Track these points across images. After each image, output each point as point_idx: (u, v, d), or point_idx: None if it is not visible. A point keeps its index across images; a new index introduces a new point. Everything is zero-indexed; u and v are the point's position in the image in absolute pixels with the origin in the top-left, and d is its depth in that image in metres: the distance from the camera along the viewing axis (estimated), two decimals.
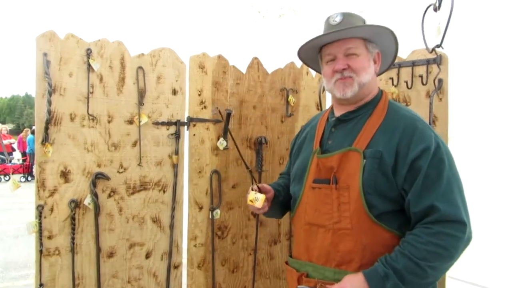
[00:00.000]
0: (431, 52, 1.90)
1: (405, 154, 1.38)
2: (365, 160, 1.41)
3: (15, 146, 16.12)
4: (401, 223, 1.42)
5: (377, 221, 1.39)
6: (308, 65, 1.79)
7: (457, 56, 2.24)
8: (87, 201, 2.01)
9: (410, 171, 1.37)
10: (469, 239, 1.35)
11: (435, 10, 1.81)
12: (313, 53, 1.64)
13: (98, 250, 2.04)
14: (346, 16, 1.51)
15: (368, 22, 1.56)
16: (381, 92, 1.58)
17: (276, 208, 1.74)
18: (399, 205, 1.41)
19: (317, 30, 1.66)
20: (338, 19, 1.50)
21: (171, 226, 2.25)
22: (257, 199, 1.59)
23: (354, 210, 1.40)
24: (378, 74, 1.71)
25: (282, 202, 1.75)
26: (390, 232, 1.41)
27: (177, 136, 2.26)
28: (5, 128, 15.53)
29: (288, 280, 1.64)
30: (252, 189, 1.64)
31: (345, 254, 1.42)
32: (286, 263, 1.68)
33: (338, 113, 1.60)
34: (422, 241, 1.30)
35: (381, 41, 1.55)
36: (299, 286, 1.50)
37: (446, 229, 1.30)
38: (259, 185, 1.66)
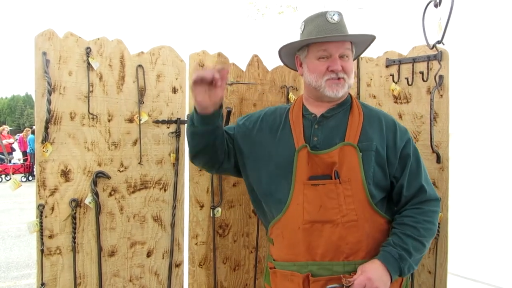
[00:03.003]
0: (432, 48, 1.89)
1: (394, 145, 1.54)
2: (361, 154, 1.50)
3: (15, 146, 16.13)
4: (386, 208, 1.59)
5: (376, 208, 1.52)
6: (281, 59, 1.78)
7: (458, 52, 2.23)
8: (88, 200, 2.00)
9: (400, 160, 1.54)
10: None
11: (436, 6, 1.80)
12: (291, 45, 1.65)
13: (99, 249, 2.04)
14: (341, 15, 1.59)
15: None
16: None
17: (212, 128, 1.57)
18: (387, 193, 1.58)
19: (301, 25, 1.66)
20: (336, 17, 1.57)
21: (172, 225, 2.25)
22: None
23: (358, 201, 1.49)
24: None
25: (218, 132, 1.61)
26: (384, 218, 1.54)
27: (178, 134, 2.25)
28: (5, 128, 15.56)
29: (277, 284, 1.57)
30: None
31: (353, 245, 1.49)
32: (273, 267, 1.60)
33: (317, 110, 1.62)
34: (418, 221, 1.48)
35: (358, 46, 1.66)
36: (328, 287, 1.44)
37: (431, 207, 1.53)
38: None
